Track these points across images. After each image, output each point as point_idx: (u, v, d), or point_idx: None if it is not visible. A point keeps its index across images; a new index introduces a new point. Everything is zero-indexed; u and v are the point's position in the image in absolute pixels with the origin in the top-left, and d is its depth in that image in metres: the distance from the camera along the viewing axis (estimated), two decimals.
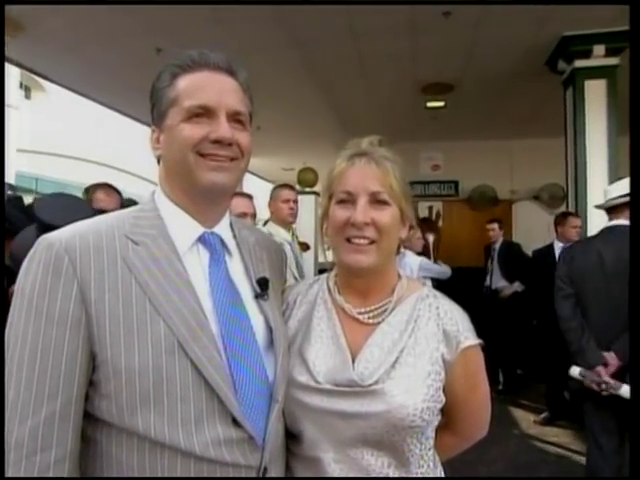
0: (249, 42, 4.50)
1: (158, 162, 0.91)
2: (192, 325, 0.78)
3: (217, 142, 0.82)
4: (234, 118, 0.85)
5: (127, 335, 0.75)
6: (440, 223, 7.47)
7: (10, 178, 11.07)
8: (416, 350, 0.91)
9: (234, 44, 4.49)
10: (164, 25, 4.01)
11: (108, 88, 5.78)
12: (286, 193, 3.04)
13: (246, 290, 0.91)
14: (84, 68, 5.01)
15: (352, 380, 0.88)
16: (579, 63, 4.23)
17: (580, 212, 4.20)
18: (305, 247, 5.02)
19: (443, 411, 0.95)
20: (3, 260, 1.46)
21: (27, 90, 14.60)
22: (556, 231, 4.19)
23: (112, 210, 1.36)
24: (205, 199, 0.86)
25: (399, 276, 1.02)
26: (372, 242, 0.91)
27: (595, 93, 4.20)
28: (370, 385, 0.87)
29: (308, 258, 5.16)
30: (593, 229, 4.19)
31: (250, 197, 2.87)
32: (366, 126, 8.35)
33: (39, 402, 0.71)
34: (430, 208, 7.56)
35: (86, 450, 0.78)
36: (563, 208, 5.45)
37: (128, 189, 8.38)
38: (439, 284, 4.26)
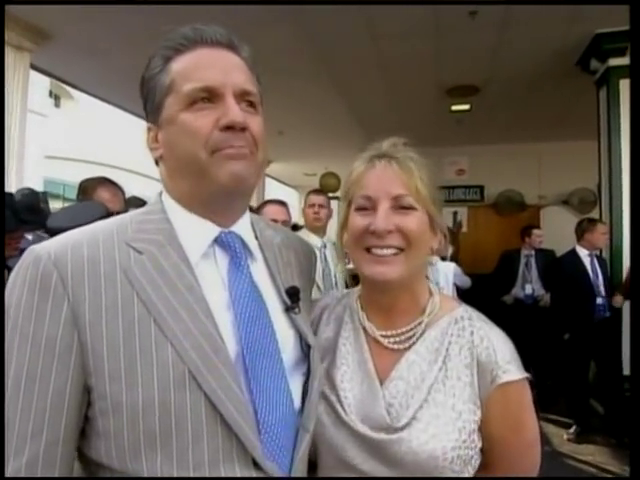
0: (268, 46, 4.46)
1: (156, 163, 0.78)
2: (206, 350, 0.65)
3: (228, 129, 0.69)
4: (244, 99, 0.72)
5: (128, 364, 0.63)
6: (464, 229, 7.29)
7: (38, 184, 11.38)
8: (446, 385, 0.79)
9: (252, 49, 4.46)
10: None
11: (134, 95, 5.82)
12: (311, 197, 2.99)
13: (273, 300, 0.77)
14: (111, 75, 5.05)
15: (383, 417, 0.78)
16: (613, 61, 4.05)
17: (615, 217, 3.99)
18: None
19: (482, 451, 0.82)
20: (3, 260, 1.39)
21: (57, 99, 15.04)
22: (579, 237, 3.98)
23: (118, 212, 1.23)
24: (223, 199, 0.72)
25: (430, 292, 0.89)
26: (398, 252, 0.80)
27: None
28: (398, 429, 0.76)
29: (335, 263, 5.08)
30: (627, 235, 4.00)
31: (283, 203, 2.80)
32: (388, 130, 8.27)
33: (21, 443, 0.60)
34: (455, 214, 7.38)
35: None
36: (594, 213, 5.24)
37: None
38: (464, 293, 4.13)
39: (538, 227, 5.06)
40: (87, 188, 2.14)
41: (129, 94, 5.74)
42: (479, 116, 6.19)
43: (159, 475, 0.63)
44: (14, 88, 3.69)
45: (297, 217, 5.72)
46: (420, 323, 0.84)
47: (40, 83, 10.52)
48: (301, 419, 0.74)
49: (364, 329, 0.87)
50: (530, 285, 4.53)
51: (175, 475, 0.63)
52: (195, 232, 0.73)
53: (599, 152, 4.34)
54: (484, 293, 4.95)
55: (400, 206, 0.80)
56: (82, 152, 13.24)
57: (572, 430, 3.70)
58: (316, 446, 0.81)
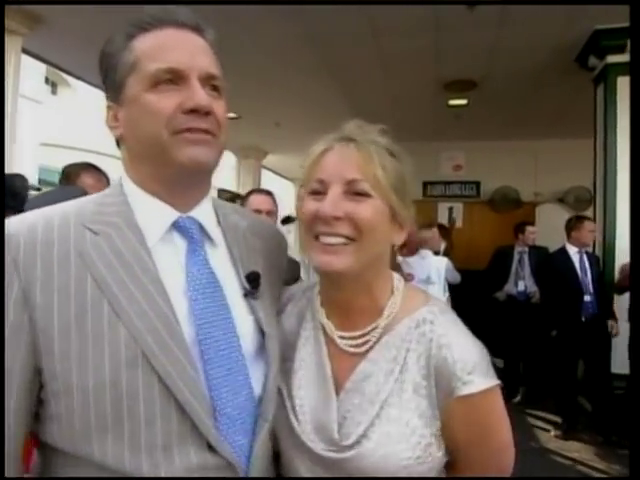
0: (266, 39, 4.42)
1: (118, 145, 0.77)
2: (160, 332, 0.65)
3: (193, 112, 0.68)
4: (208, 83, 0.71)
5: (79, 345, 0.62)
6: (460, 224, 7.27)
7: (33, 171, 11.29)
8: (402, 399, 0.73)
9: (251, 41, 4.42)
10: None
11: None
12: (301, 191, 2.91)
13: (233, 286, 0.77)
14: None
15: (332, 431, 0.74)
16: (612, 58, 4.02)
17: (608, 215, 3.98)
18: None
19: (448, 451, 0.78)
20: (3, 256, 1.40)
21: (54, 86, 14.88)
22: (568, 235, 3.98)
23: None
24: (182, 182, 0.72)
25: (392, 291, 0.81)
26: (349, 242, 0.73)
27: (629, 90, 3.97)
28: (347, 447, 0.72)
29: None
30: (621, 233, 3.99)
31: (268, 193, 2.68)
32: (386, 124, 8.25)
33: None
34: (450, 209, 7.37)
35: None
36: (590, 211, 5.22)
37: None
38: (455, 288, 4.12)
39: (532, 224, 5.04)
40: (70, 174, 2.08)
41: None
42: (476, 111, 6.16)
43: (109, 457, 0.62)
44: (5, 72, 3.63)
45: (293, 209, 5.67)
46: (377, 327, 0.78)
47: (35, 69, 10.42)
48: (260, 408, 0.74)
49: (323, 328, 0.82)
50: (523, 282, 4.52)
51: (126, 457, 0.62)
52: (153, 216, 0.73)
53: (595, 150, 4.32)
54: (477, 289, 4.96)
55: (354, 192, 0.73)
56: (79, 140, 13.12)
57: (559, 427, 3.71)
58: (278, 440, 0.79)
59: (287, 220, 4.53)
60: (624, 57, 4.00)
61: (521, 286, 4.52)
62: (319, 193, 0.76)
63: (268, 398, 0.74)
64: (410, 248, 4.85)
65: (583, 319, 3.65)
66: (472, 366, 0.72)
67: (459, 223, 7.32)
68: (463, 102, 5.88)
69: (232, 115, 7.05)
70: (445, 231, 5.36)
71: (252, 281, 0.77)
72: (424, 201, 7.46)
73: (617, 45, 3.97)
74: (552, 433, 3.69)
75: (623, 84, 4.02)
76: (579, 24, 3.90)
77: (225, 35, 3.66)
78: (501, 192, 7.24)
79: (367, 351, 0.77)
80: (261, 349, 0.77)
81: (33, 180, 9.24)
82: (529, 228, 4.74)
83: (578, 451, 3.42)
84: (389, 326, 0.77)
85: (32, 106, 11.61)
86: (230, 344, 0.72)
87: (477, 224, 7.23)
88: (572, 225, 3.93)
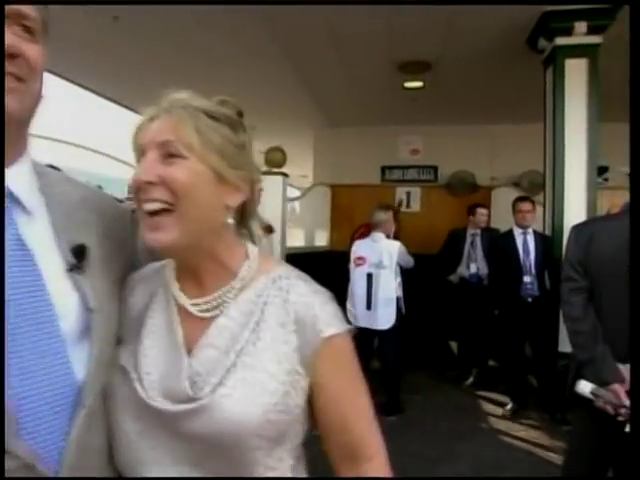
0: (215, 17, 4.22)
1: None
2: None
3: None
4: (18, 23, 0.63)
5: None
6: (417, 208, 7.30)
7: None
8: (257, 347, 0.72)
9: (197, 19, 4.21)
10: None
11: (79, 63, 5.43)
12: None
13: (54, 260, 0.69)
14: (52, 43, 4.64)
15: (184, 388, 0.70)
16: (560, 41, 4.02)
17: (557, 198, 4.03)
18: (268, 230, 4.81)
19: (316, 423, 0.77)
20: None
21: None
22: (514, 217, 4.08)
23: None
24: None
25: (248, 256, 0.80)
26: (168, 210, 0.69)
27: (576, 73, 4.01)
28: (200, 398, 0.68)
29: (274, 242, 4.94)
30: (571, 219, 4.04)
31: None
32: (343, 108, 8.09)
33: None
34: (408, 194, 7.36)
35: None
36: (542, 195, 5.30)
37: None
38: (409, 272, 4.09)
39: (484, 206, 5.04)
40: None
41: (73, 62, 5.35)
42: (432, 94, 6.13)
43: None
44: None
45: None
46: (232, 288, 0.76)
47: None
48: (81, 394, 0.67)
49: (176, 299, 0.78)
50: (475, 264, 4.54)
51: None
52: None
53: (544, 133, 4.36)
54: (432, 273, 4.97)
55: (168, 154, 0.70)
56: (60, 132, 12.43)
57: (508, 407, 3.77)
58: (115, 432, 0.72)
59: (268, 230, 4.45)
60: (572, 39, 4.03)
61: (473, 268, 4.54)
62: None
63: (89, 381, 0.68)
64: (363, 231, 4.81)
65: (528, 300, 3.69)
66: (332, 312, 0.76)
67: (416, 207, 7.34)
68: (419, 84, 5.83)
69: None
70: (394, 215, 5.35)
71: (78, 254, 0.71)
72: (382, 186, 7.44)
73: (565, 27, 3.98)
74: (502, 413, 3.74)
75: (571, 67, 4.05)
76: (529, 5, 3.88)
77: (170, 12, 3.47)
78: (458, 176, 7.28)
79: (222, 312, 0.76)
80: (89, 328, 0.70)
81: None
82: (479, 210, 4.76)
83: (526, 430, 3.49)
84: (246, 286, 0.77)
85: None
86: (45, 326, 0.65)
87: (435, 208, 7.26)
88: (513, 207, 3.98)
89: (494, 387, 4.27)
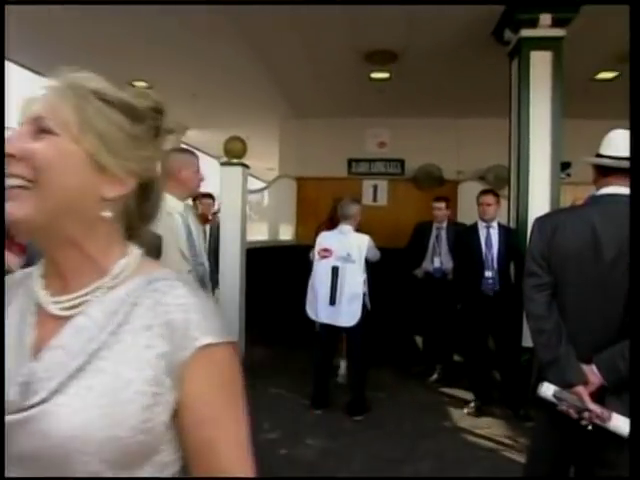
0: (179, 4, 3.99)
1: None
2: None
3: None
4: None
5: None
6: (384, 202, 7.22)
7: None
8: (114, 350, 0.61)
9: (161, 7, 3.97)
10: None
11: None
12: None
13: None
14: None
15: (8, 396, 0.59)
16: (525, 32, 3.98)
17: (522, 191, 4.00)
18: (204, 219, 4.61)
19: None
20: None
21: None
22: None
23: None
24: None
25: (126, 254, 0.70)
26: (27, 185, 0.61)
27: (541, 65, 3.97)
28: (30, 407, 0.58)
29: (233, 237, 4.75)
30: (535, 212, 4.02)
31: None
32: (309, 99, 7.93)
33: None
34: (375, 187, 7.28)
35: None
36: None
37: None
38: (374, 266, 3.98)
39: (446, 199, 4.88)
40: None
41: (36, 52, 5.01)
42: (399, 86, 6.05)
43: None
44: None
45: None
46: (101, 286, 0.67)
47: None
48: None
49: (38, 299, 0.69)
50: (439, 258, 4.46)
51: None
52: None
53: (510, 126, 4.32)
54: (398, 267, 4.88)
55: (39, 130, 0.63)
56: None
57: (472, 405, 3.72)
58: None
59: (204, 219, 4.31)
60: (537, 32, 3.99)
61: (437, 263, 4.46)
62: None
63: None
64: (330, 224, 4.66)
65: (489, 294, 3.64)
66: (213, 318, 0.66)
67: (383, 201, 7.26)
68: (385, 75, 5.73)
69: (142, 84, 6.49)
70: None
71: None
72: (349, 179, 7.33)
73: (530, 19, 3.93)
74: (465, 411, 3.69)
75: (536, 59, 4.01)
76: None
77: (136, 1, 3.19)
78: (425, 170, 7.24)
79: (83, 310, 0.66)
80: None
81: None
82: (434, 204, 4.68)
83: (489, 427, 3.44)
84: (117, 286, 0.67)
85: None
86: None
87: (401, 202, 7.20)
88: (477, 200, 3.93)
89: (458, 383, 4.22)
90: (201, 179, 2.47)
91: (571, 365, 1.64)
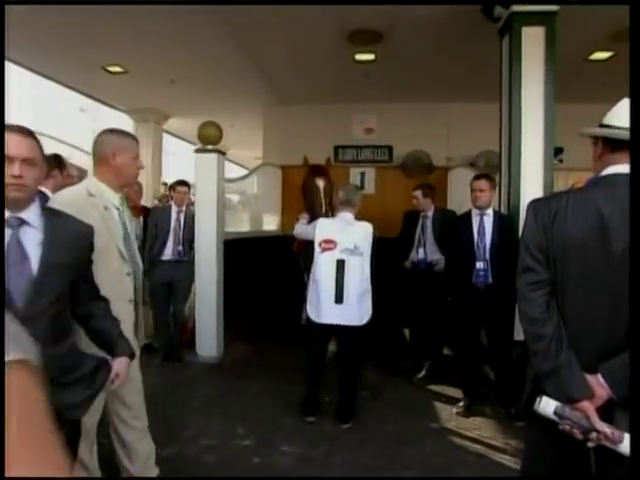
0: None
1: None
2: None
3: None
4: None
5: None
6: (372, 190, 6.95)
7: None
8: None
9: None
10: None
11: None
12: None
13: None
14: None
15: None
16: (517, 7, 3.72)
17: (513, 176, 3.77)
18: (137, 211, 4.32)
19: None
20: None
21: None
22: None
23: None
24: None
25: None
26: None
27: (533, 42, 3.72)
28: None
29: (208, 227, 4.48)
30: (528, 198, 3.78)
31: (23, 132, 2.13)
32: (295, 85, 7.62)
33: None
34: (362, 174, 7.03)
35: None
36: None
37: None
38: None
39: (419, 187, 4.52)
40: None
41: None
42: (385, 69, 5.77)
43: None
44: None
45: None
46: None
47: None
48: None
49: None
50: (422, 249, 4.20)
51: None
52: None
53: (500, 107, 4.08)
54: (386, 257, 4.63)
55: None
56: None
57: (460, 404, 3.51)
58: None
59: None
60: (529, 7, 3.73)
61: (421, 254, 4.21)
62: None
63: None
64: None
65: (481, 287, 3.39)
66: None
67: (371, 189, 7.01)
68: (370, 57, 5.45)
69: (117, 69, 6.16)
70: (318, 169, 5.04)
71: None
72: (335, 166, 7.04)
73: None
74: (454, 411, 3.48)
75: (528, 35, 3.75)
76: None
77: None
78: (413, 156, 6.99)
79: None
80: None
81: None
82: (414, 192, 4.35)
83: (479, 428, 3.23)
84: None
85: None
86: None
87: (390, 190, 6.95)
88: (470, 186, 3.63)
89: (447, 379, 4.01)
90: (140, 166, 2.16)
91: (574, 376, 1.38)
